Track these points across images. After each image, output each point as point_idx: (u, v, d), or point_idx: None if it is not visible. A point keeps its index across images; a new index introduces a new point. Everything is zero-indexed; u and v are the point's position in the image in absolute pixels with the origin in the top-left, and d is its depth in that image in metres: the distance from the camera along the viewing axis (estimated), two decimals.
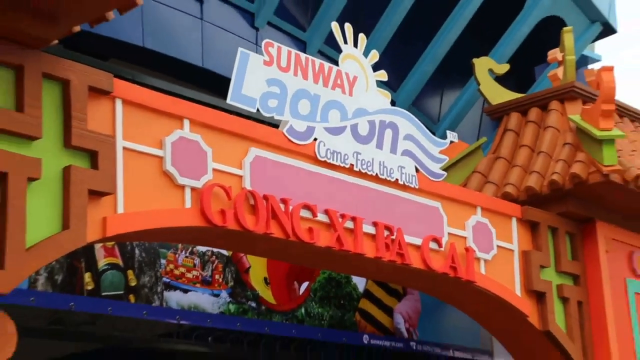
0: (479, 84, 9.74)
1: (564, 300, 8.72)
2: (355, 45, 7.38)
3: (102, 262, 8.88)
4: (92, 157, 5.67)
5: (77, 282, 8.67)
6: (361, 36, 7.42)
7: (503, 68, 9.80)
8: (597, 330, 8.86)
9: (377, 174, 7.34)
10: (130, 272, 9.09)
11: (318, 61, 7.07)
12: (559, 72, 9.53)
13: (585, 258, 8.99)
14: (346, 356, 10.98)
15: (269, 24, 12.45)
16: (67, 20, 5.49)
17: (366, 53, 7.45)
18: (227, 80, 6.55)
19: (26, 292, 8.05)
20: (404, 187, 7.57)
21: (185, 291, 9.55)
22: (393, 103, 7.64)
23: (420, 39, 13.55)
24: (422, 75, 13.69)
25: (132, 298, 9.07)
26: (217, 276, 9.86)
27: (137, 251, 9.16)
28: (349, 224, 7.06)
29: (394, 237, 7.33)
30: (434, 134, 7.91)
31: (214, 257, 9.79)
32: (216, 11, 11.95)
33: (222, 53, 11.25)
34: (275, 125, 6.86)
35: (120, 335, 9.52)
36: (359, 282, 11.06)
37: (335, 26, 7.38)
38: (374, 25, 12.88)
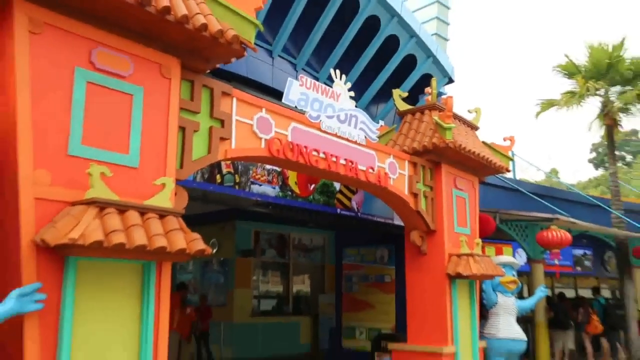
0: (394, 101, 9.65)
1: (426, 197, 8.75)
2: (341, 79, 7.30)
3: (224, 170, 8.90)
4: (222, 122, 5.65)
5: (213, 178, 8.71)
6: (343, 76, 7.33)
7: (405, 94, 9.68)
8: (437, 212, 8.88)
9: (347, 137, 7.31)
10: (236, 176, 9.11)
11: (324, 85, 7.00)
12: (430, 98, 9.43)
13: (435, 179, 8.95)
14: (329, 218, 11.05)
15: (302, 69, 12.31)
16: (213, 62, 5.44)
17: (345, 82, 7.37)
18: (282, 92, 6.51)
19: (191, 181, 8.10)
20: (359, 144, 7.54)
21: (260, 185, 9.57)
22: (356, 107, 7.56)
23: (369, 78, 13.38)
24: (370, 95, 13.54)
25: (236, 187, 9.12)
26: (274, 179, 9.86)
27: (239, 166, 9.16)
28: (334, 159, 7.06)
29: (353, 165, 7.34)
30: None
31: (273, 170, 9.80)
32: (279, 62, 11.79)
33: (280, 80, 11.11)
34: (302, 112, 6.84)
35: (232, 202, 9.58)
36: (337, 185, 11.09)
37: (332, 71, 7.29)
38: (350, 68, 12.72)
